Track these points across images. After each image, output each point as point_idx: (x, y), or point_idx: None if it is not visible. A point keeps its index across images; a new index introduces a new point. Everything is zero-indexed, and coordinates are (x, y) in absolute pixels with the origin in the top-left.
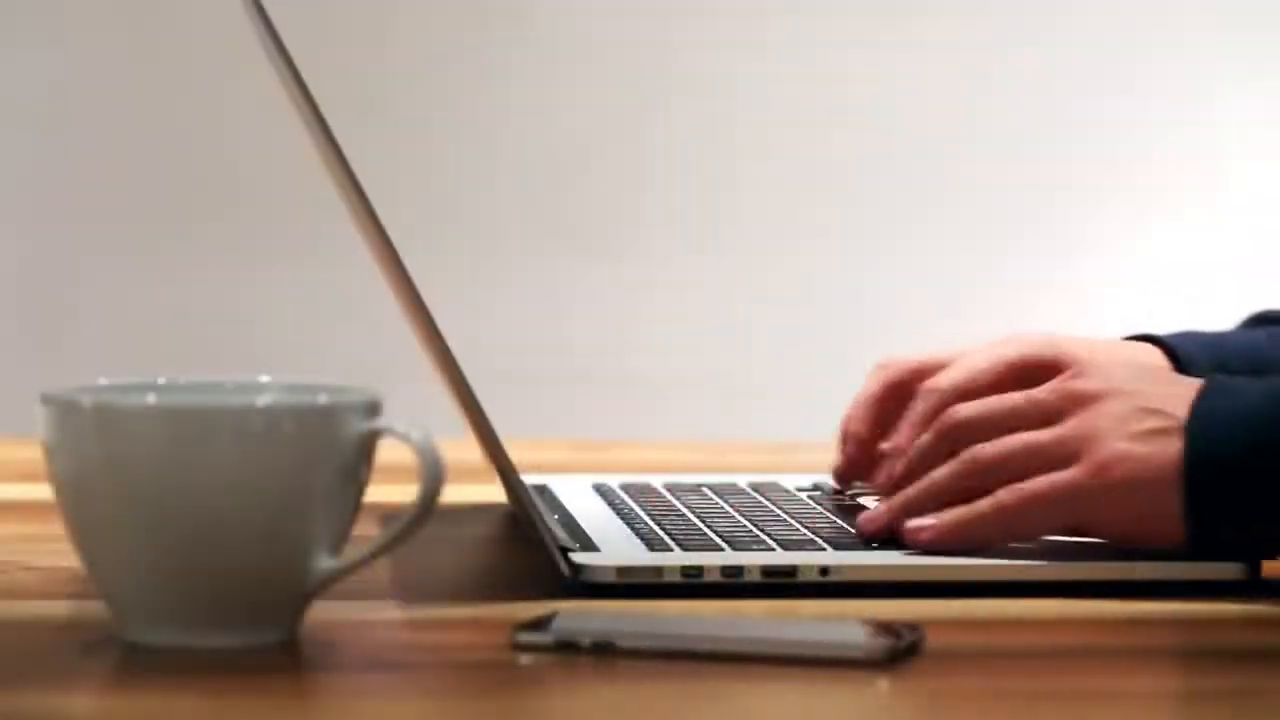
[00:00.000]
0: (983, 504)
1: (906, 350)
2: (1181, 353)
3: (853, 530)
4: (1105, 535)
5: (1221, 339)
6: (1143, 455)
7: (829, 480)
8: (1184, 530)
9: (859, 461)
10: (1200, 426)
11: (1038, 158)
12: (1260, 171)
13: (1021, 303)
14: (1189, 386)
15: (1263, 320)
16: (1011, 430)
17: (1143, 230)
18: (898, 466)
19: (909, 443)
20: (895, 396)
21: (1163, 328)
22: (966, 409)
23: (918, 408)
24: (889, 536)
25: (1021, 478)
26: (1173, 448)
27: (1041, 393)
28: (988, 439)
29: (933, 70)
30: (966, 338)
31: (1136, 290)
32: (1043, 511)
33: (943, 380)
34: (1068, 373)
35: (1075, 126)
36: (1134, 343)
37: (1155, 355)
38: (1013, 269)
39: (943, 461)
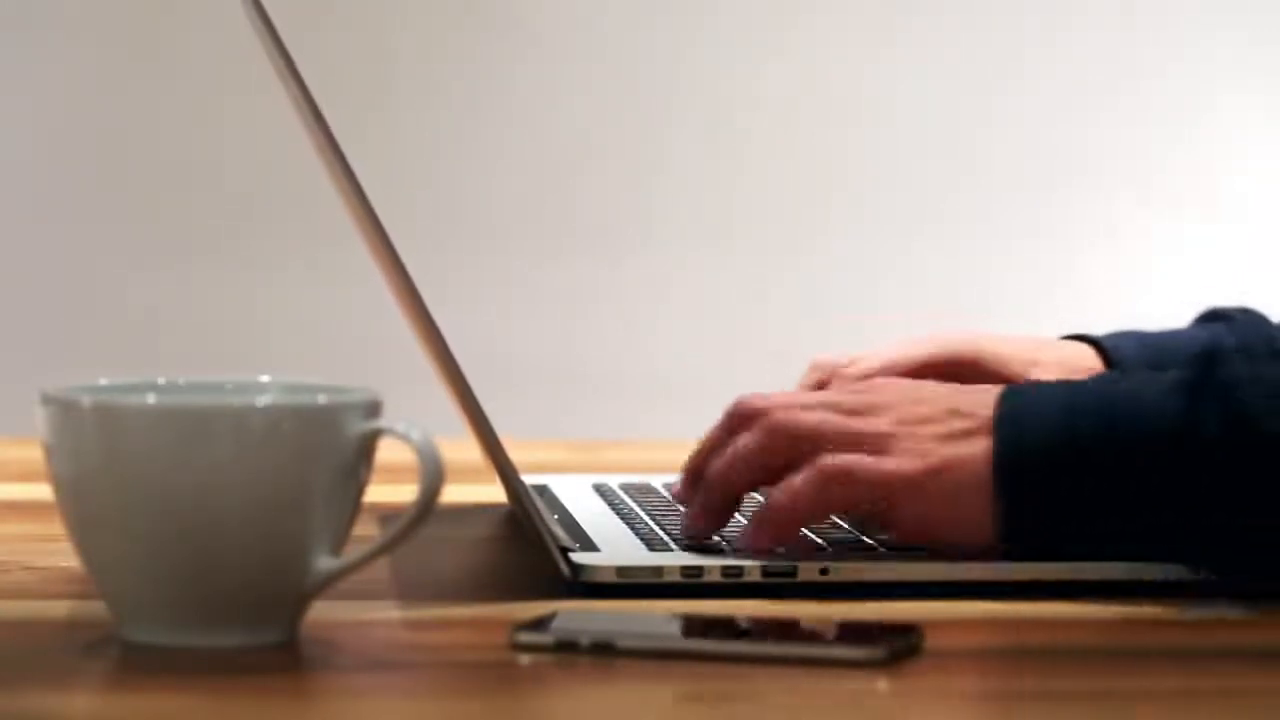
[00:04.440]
0: (809, 468)
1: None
2: (1116, 353)
3: (853, 530)
4: (918, 531)
5: (1162, 338)
6: (953, 455)
7: None
8: (994, 529)
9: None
10: (1005, 423)
11: (1042, 158)
12: (1260, 171)
13: (1023, 303)
14: (992, 390)
15: (1214, 318)
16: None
17: (1142, 230)
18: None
19: None
20: None
21: (1159, 325)
22: (764, 399)
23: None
24: (767, 538)
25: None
26: (980, 446)
27: (843, 396)
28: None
29: (936, 71)
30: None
31: (1137, 290)
32: (867, 488)
33: (851, 374)
34: (865, 385)
35: (1076, 127)
36: (1066, 342)
37: (1088, 355)
38: (1017, 269)
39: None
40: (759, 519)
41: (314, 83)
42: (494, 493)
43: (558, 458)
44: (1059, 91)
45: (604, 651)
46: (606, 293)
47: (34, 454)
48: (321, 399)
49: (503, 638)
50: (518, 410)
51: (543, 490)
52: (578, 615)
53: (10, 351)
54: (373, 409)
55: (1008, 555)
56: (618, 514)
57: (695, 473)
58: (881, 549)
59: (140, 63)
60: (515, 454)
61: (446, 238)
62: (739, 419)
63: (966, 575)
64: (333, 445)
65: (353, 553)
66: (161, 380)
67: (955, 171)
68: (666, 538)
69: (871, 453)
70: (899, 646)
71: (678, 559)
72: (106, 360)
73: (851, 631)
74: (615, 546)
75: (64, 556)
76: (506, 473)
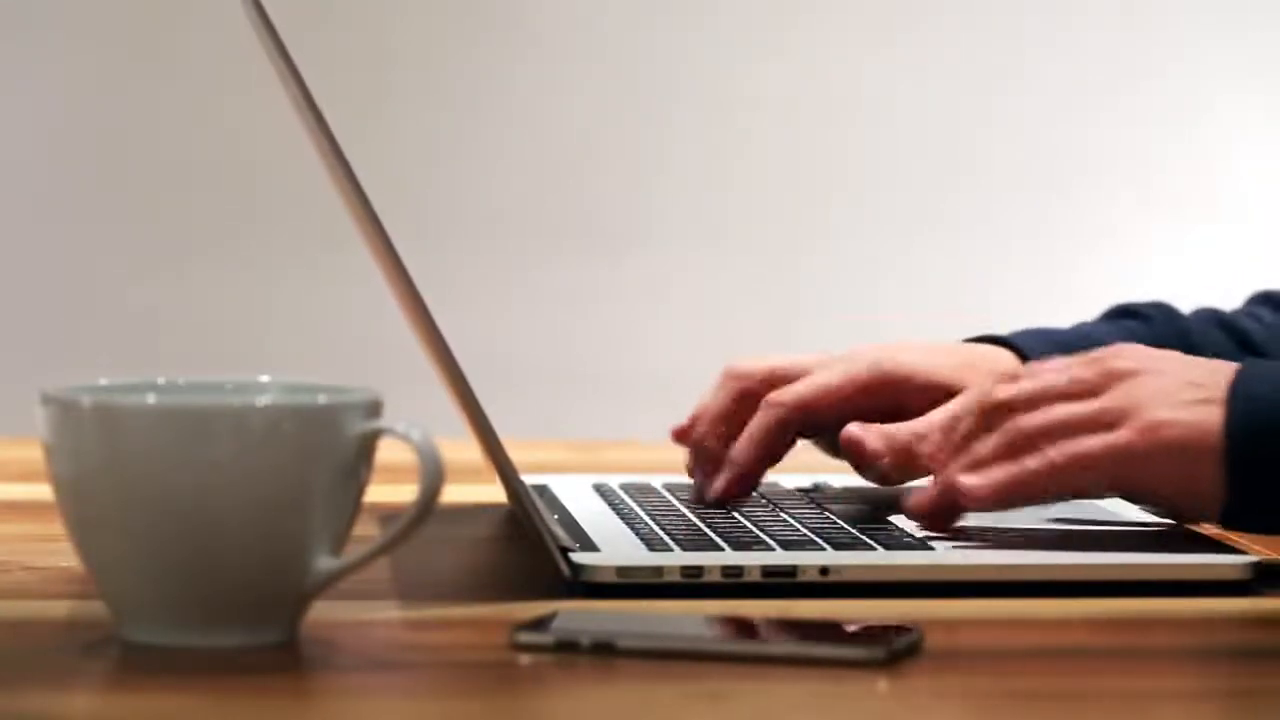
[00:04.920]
0: (1031, 461)
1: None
2: (1029, 351)
3: (853, 530)
4: (1150, 497)
5: (1072, 336)
6: (1188, 421)
7: (829, 480)
8: (1223, 497)
9: (714, 475)
10: (1242, 397)
11: (1042, 158)
12: (1260, 171)
13: (1022, 302)
14: (1228, 364)
15: (1121, 314)
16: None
17: (1142, 230)
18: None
19: (747, 457)
20: (746, 408)
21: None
22: (1005, 390)
23: (759, 421)
24: (940, 517)
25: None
26: (1216, 416)
27: (1082, 370)
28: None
29: (936, 71)
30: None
31: (1137, 291)
32: (1092, 469)
33: (787, 395)
34: (1106, 352)
35: (1076, 127)
36: (977, 344)
37: (1003, 356)
38: (1017, 269)
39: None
40: (985, 494)
41: (314, 83)
42: (494, 493)
43: (558, 458)
44: (1059, 91)
45: (604, 651)
46: (606, 293)
47: (34, 454)
48: (321, 399)
49: (503, 638)
50: (518, 410)
51: (543, 490)
52: (578, 615)
53: (10, 351)
54: (373, 409)
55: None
56: (618, 514)
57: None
58: (881, 548)
59: (140, 63)
60: (515, 454)
61: (446, 238)
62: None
63: (966, 575)
64: (333, 445)
65: (353, 553)
66: (161, 380)
67: (955, 171)
68: (666, 538)
69: (1101, 432)
70: (899, 646)
71: (678, 559)
72: (106, 360)
73: (851, 631)
74: (615, 546)
75: (64, 556)
76: (506, 473)
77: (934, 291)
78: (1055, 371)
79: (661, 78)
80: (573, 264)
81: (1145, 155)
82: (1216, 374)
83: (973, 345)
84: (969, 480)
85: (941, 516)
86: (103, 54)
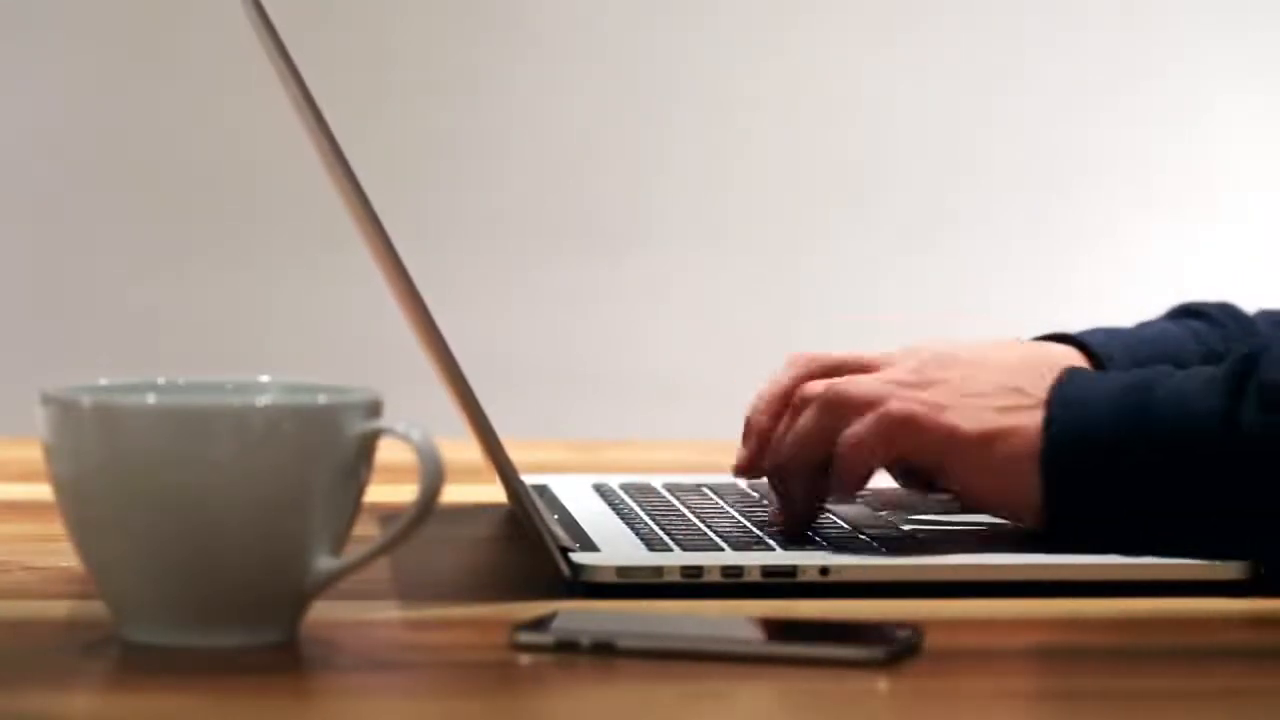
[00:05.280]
0: (864, 420)
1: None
2: (1099, 349)
3: (852, 530)
4: (971, 490)
5: (1135, 333)
6: (1008, 424)
7: None
8: (1042, 510)
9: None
10: (1061, 404)
11: (1042, 159)
12: (1260, 172)
13: (1022, 302)
14: (1051, 370)
15: (1185, 313)
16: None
17: (1142, 230)
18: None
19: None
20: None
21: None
22: (829, 357)
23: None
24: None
25: None
26: (1034, 421)
27: (907, 368)
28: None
29: (936, 71)
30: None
31: (1137, 291)
32: (919, 435)
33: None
34: (928, 355)
35: (1076, 127)
36: (1045, 343)
37: (1071, 354)
38: (1017, 269)
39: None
40: (833, 471)
41: (314, 83)
42: (494, 493)
43: (558, 458)
44: (1059, 91)
45: (604, 651)
46: (606, 293)
47: (34, 454)
48: (321, 399)
49: (503, 638)
50: (518, 410)
51: (543, 490)
52: (578, 615)
53: (10, 351)
54: (373, 409)
55: (1025, 547)
56: (618, 514)
57: (759, 449)
58: (881, 548)
59: (140, 63)
60: (515, 454)
61: (446, 238)
62: (800, 400)
63: (966, 575)
64: (333, 445)
65: (353, 553)
66: (161, 380)
67: (955, 172)
68: (666, 538)
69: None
70: (899, 646)
71: (678, 559)
72: (106, 360)
73: (851, 631)
74: (615, 546)
75: (64, 556)
76: (506, 473)
77: (933, 291)
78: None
79: (661, 78)
80: (573, 264)
81: (1145, 155)
82: (1039, 380)
83: (1037, 344)
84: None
85: (842, 488)
86: (103, 54)
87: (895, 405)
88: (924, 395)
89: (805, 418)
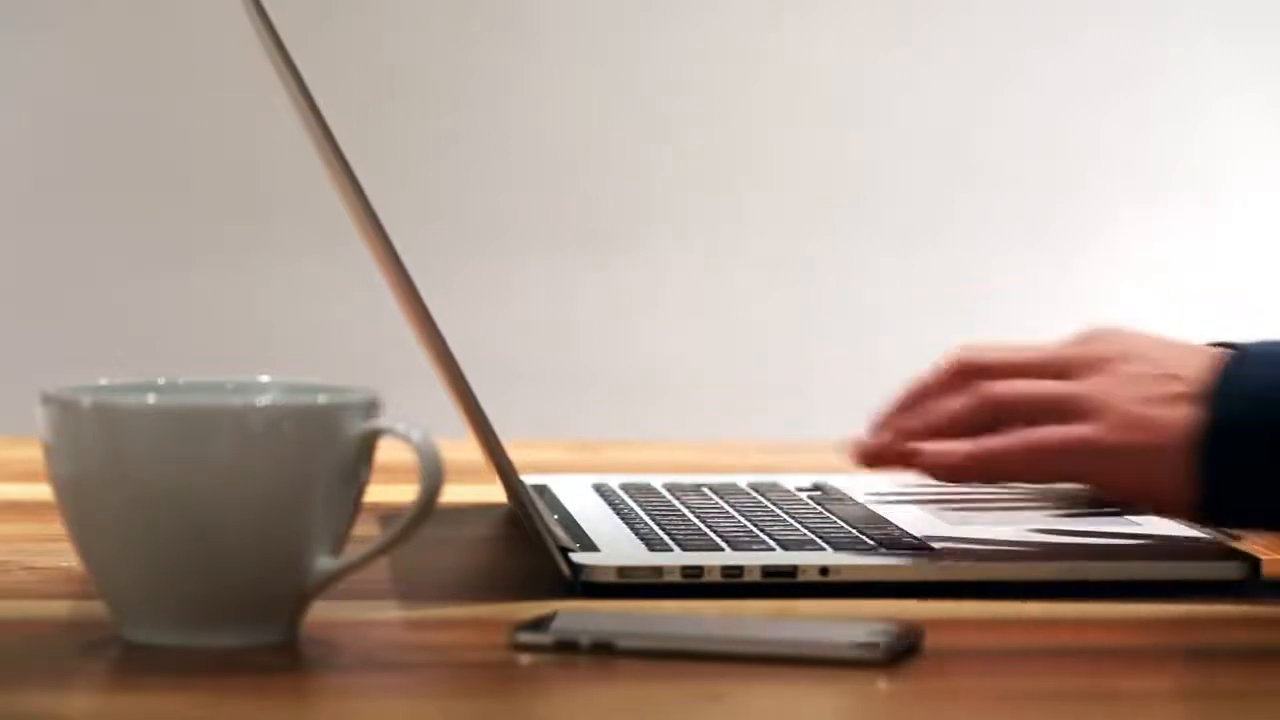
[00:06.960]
0: (1007, 438)
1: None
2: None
3: (853, 530)
4: (1116, 494)
5: None
6: (1158, 419)
7: (829, 480)
8: (1195, 497)
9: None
10: (1218, 394)
11: (1042, 158)
12: (1260, 171)
13: (1022, 302)
14: (1208, 354)
15: None
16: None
17: (1142, 230)
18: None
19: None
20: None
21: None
22: (982, 355)
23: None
24: (888, 463)
25: (1031, 423)
26: (1189, 412)
27: (1061, 351)
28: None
29: (936, 71)
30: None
31: (1136, 290)
32: (1060, 459)
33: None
34: (1087, 335)
35: (1076, 127)
36: (1212, 348)
37: None
38: (1016, 269)
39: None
40: (953, 463)
41: (314, 83)
42: (494, 493)
43: (558, 458)
44: (1059, 91)
45: (604, 651)
46: (606, 292)
47: (34, 454)
48: (321, 399)
49: (503, 638)
50: (518, 410)
51: (543, 490)
52: (578, 615)
53: (10, 351)
54: (373, 409)
55: (1015, 556)
56: (618, 514)
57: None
58: (881, 548)
59: (140, 61)
60: (515, 454)
61: (446, 238)
62: (958, 375)
63: (966, 575)
64: (333, 445)
65: (353, 553)
66: (161, 380)
67: (955, 171)
68: (666, 538)
69: (1072, 418)
70: (899, 646)
71: (678, 559)
72: (106, 360)
73: (851, 631)
74: (615, 546)
75: (64, 556)
76: (506, 473)
77: (932, 291)
78: (1034, 349)
79: (661, 78)
80: (573, 264)
81: (1145, 155)
82: (1195, 366)
83: (1200, 347)
84: (937, 448)
85: (954, 475)
86: (103, 54)
87: (1033, 436)
88: (1067, 390)
89: (955, 402)
